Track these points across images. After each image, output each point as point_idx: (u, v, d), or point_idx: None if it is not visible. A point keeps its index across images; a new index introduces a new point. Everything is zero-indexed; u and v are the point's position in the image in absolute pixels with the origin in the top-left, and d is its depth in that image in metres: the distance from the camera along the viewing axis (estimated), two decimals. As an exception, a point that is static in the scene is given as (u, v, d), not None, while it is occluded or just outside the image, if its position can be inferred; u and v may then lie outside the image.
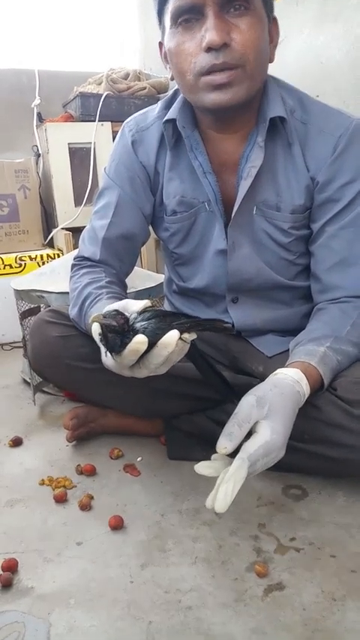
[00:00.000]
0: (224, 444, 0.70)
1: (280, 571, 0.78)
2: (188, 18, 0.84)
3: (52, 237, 2.13)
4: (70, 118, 2.12)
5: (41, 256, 1.98)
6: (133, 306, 0.78)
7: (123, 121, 1.08)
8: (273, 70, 0.95)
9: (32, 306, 1.43)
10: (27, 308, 1.45)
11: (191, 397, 1.04)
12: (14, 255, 1.96)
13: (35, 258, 1.97)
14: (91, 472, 1.05)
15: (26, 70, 2.26)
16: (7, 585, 0.77)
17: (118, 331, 0.72)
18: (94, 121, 2.04)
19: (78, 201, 2.08)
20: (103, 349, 0.77)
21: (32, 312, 1.42)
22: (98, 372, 0.90)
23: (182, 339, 0.73)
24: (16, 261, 1.95)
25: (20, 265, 1.95)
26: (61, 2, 2.36)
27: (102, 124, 2.06)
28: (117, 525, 0.88)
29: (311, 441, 0.89)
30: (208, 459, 0.76)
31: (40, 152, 2.18)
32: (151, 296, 1.41)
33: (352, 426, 0.85)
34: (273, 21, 0.91)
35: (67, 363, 1.04)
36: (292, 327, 1.05)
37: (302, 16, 1.59)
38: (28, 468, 1.10)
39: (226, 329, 0.87)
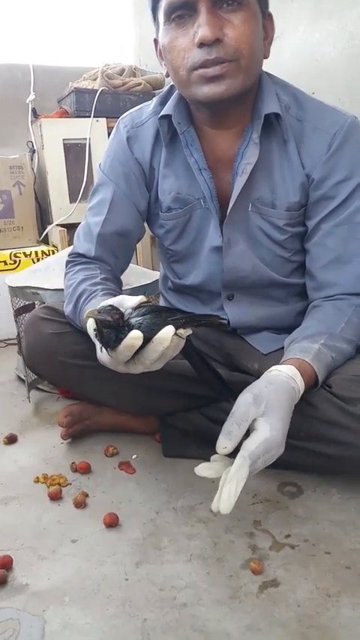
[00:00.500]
0: (224, 443, 0.70)
1: (275, 568, 0.78)
2: (181, 14, 0.84)
3: (46, 234, 2.11)
4: (65, 114, 2.11)
5: (36, 253, 1.97)
6: (128, 302, 0.78)
7: (118, 117, 1.08)
8: (268, 67, 0.95)
9: (27, 302, 1.43)
10: (21, 305, 1.44)
11: (186, 394, 1.04)
12: (9, 251, 1.95)
13: (30, 255, 1.96)
14: (85, 470, 1.05)
15: (21, 65, 2.25)
16: (2, 582, 0.77)
17: (113, 326, 0.72)
18: (90, 116, 2.03)
19: (73, 198, 2.07)
20: (98, 345, 0.76)
21: (27, 308, 1.42)
22: (93, 369, 0.90)
23: (178, 335, 0.72)
24: (10, 258, 1.94)
25: (15, 262, 1.94)
26: (55, -3, 2.35)
27: (97, 120, 2.05)
28: (112, 523, 0.88)
29: (307, 438, 0.89)
30: (204, 456, 0.76)
31: (35, 148, 2.16)
32: (147, 293, 1.41)
33: (348, 424, 0.86)
34: (268, 17, 0.91)
35: (61, 360, 1.04)
36: (288, 324, 1.05)
37: (297, 13, 1.59)
38: (23, 465, 1.10)
39: (221, 324, 0.86)
